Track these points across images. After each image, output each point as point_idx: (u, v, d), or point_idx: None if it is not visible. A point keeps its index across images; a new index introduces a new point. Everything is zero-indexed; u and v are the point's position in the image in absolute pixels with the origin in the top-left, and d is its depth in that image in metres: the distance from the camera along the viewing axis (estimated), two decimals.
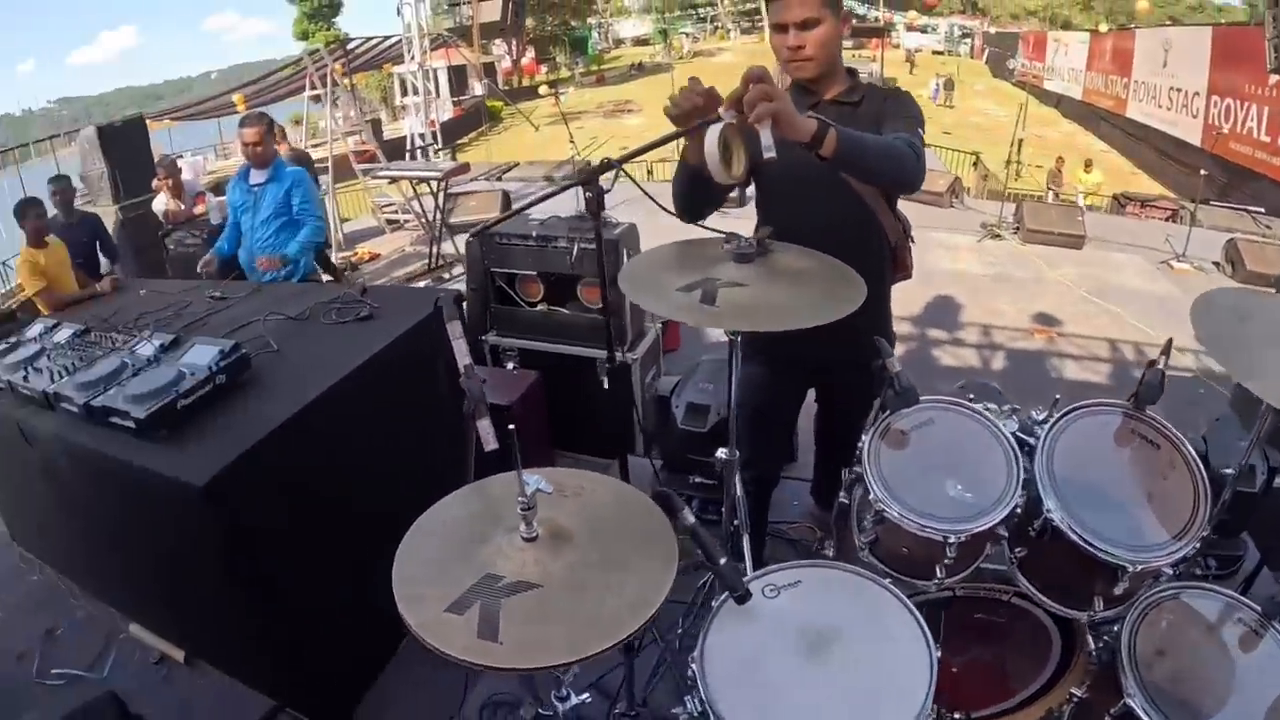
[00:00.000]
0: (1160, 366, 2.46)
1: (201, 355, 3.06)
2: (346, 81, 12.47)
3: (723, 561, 1.75)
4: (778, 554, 3.63)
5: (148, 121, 11.84)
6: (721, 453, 2.57)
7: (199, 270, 5.19)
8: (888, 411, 2.54)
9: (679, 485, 3.82)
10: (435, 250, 9.31)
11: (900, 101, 2.63)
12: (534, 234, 4.26)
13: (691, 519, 1.81)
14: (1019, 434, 2.61)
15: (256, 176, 5.35)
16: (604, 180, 2.32)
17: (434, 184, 9.24)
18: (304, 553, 2.84)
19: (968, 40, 55.55)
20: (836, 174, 2.35)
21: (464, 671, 3.17)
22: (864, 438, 2.56)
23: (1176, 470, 2.39)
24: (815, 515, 3.89)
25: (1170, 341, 2.51)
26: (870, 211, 2.73)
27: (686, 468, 3.77)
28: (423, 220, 10.68)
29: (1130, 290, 8.66)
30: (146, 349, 3.30)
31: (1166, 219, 13.60)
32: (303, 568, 2.85)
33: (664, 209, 2.44)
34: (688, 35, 61.88)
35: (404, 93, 18.51)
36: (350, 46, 16.29)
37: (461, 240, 9.37)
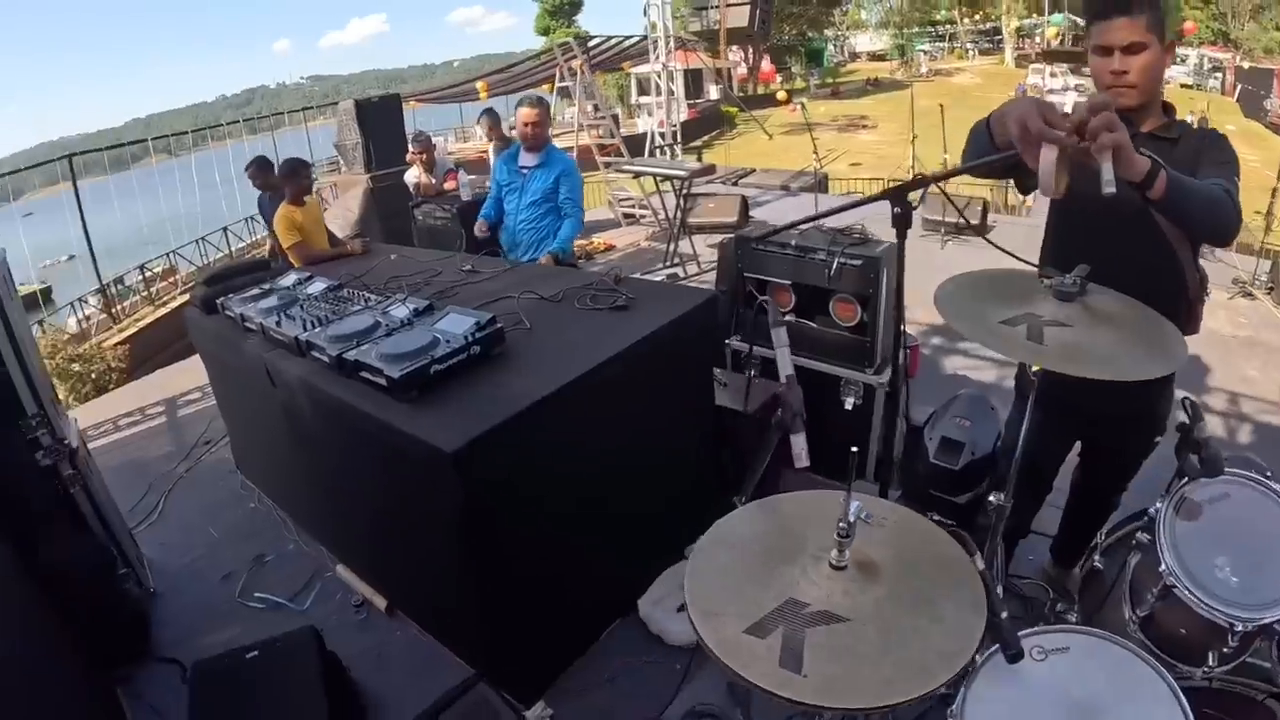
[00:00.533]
0: None
1: (457, 324, 3.10)
2: (586, 76, 12.74)
3: (1004, 615, 1.62)
4: (1008, 608, 3.38)
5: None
6: (994, 497, 2.39)
7: (476, 234, 5.36)
8: (1185, 480, 2.34)
9: None
10: (673, 248, 9.25)
11: (1219, 145, 2.42)
12: (792, 243, 4.11)
13: (981, 564, 1.69)
14: None
15: (527, 159, 5.30)
16: (912, 197, 2.17)
17: (676, 183, 9.21)
18: (532, 530, 2.85)
19: (1218, 74, 51.94)
20: (1149, 216, 2.18)
21: (677, 669, 3.19)
22: (1158, 505, 2.36)
23: None
24: (1050, 573, 3.64)
25: None
26: (1178, 260, 2.50)
27: (925, 503, 3.57)
28: (660, 217, 10.77)
29: None
30: (400, 311, 3.40)
31: None
32: (529, 544, 2.85)
33: (982, 235, 2.26)
34: (925, 53, 60.52)
35: (640, 92, 18.77)
36: (592, 45, 16.72)
37: (699, 241, 9.46)
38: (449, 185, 8.27)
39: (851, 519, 1.49)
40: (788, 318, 4.25)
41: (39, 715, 2.28)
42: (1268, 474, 2.47)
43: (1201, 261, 2.61)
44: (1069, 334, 1.90)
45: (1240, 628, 2.12)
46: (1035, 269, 2.15)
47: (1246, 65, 50.36)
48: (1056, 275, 2.05)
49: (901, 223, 2.09)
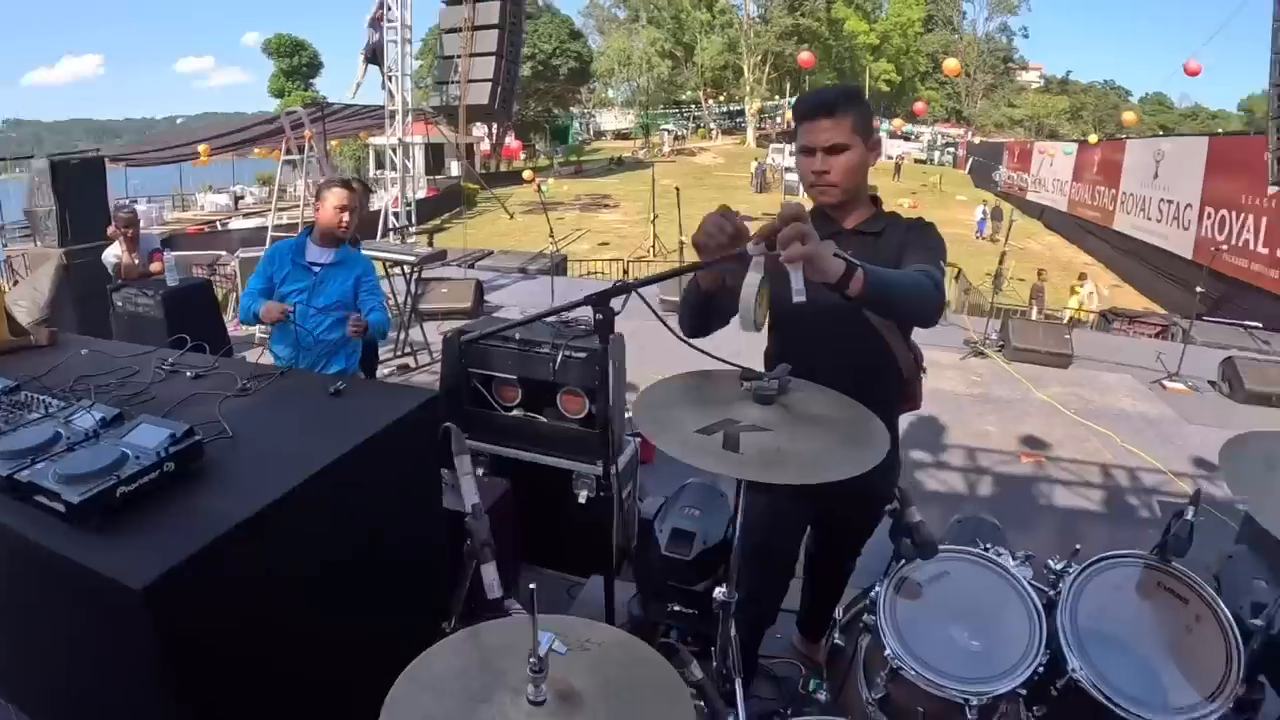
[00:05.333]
0: (1189, 518, 2.38)
1: (149, 437, 2.74)
2: (320, 147, 12.34)
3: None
4: (758, 690, 3.40)
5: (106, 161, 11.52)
6: (719, 593, 2.33)
7: (289, 321, 4.32)
8: (903, 562, 2.42)
9: (656, 612, 3.58)
10: (403, 336, 8.99)
11: (922, 232, 2.55)
12: (516, 337, 4.08)
13: (699, 674, 1.63)
14: (1035, 583, 2.51)
15: (319, 254, 4.46)
16: (614, 303, 2.17)
17: (407, 268, 8.93)
18: (249, 672, 2.55)
19: (951, 149, 57.42)
20: (856, 309, 2.21)
21: None
22: (878, 588, 2.42)
23: (1203, 623, 2.31)
24: (800, 650, 3.68)
25: (1199, 492, 2.49)
26: (887, 345, 2.63)
27: (666, 595, 3.54)
28: (391, 303, 10.48)
29: (1120, 411, 8.63)
30: (85, 420, 3.01)
31: (1156, 335, 13.58)
32: (246, 688, 2.55)
33: (675, 334, 2.24)
34: (669, 132, 63.18)
35: (379, 165, 18.34)
36: (328, 111, 16.29)
37: (431, 328, 9.23)
38: (154, 267, 7.51)
39: (542, 653, 1.37)
40: (515, 413, 4.20)
41: None
42: (986, 546, 2.58)
43: (913, 338, 2.72)
44: (767, 439, 1.87)
45: (975, 701, 2.16)
46: (739, 369, 2.12)
47: (978, 140, 56.04)
48: (755, 377, 2.03)
49: (604, 328, 2.10)
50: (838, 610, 3.14)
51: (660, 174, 20.57)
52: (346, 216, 4.40)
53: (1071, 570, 2.45)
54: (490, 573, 1.78)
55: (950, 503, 5.92)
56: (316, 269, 4.44)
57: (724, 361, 2.14)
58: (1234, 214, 18.87)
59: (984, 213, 31.16)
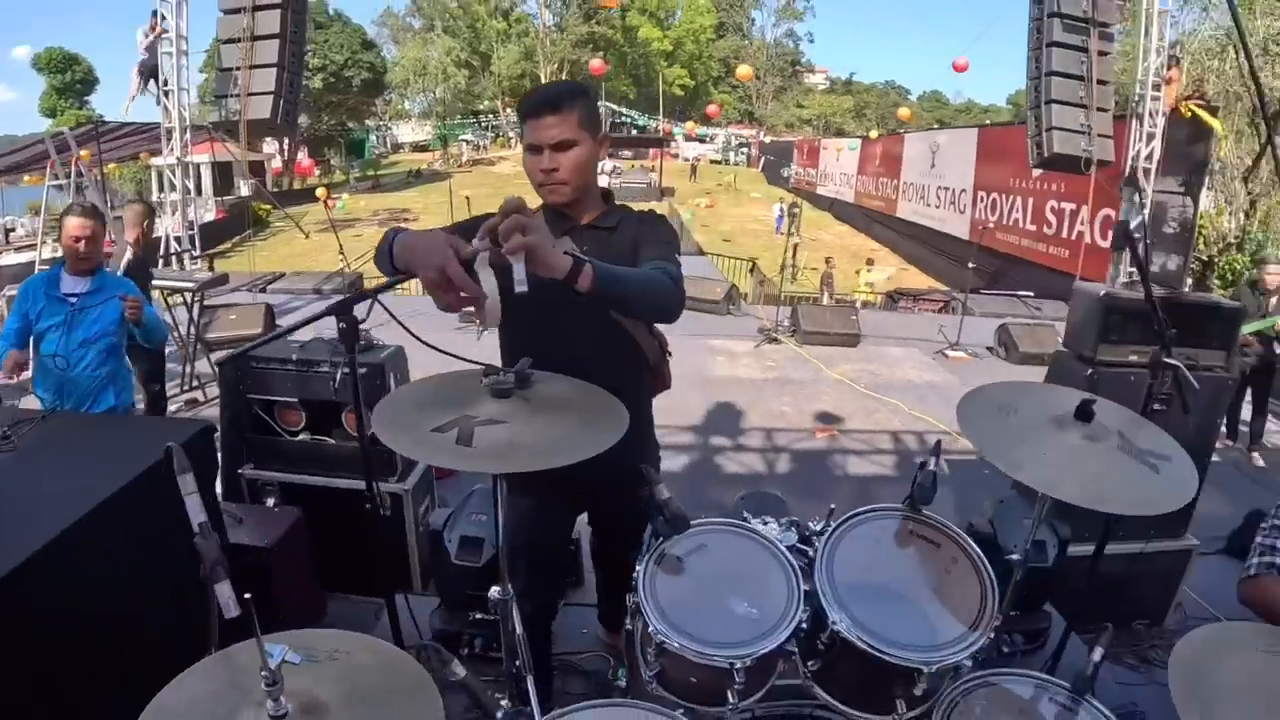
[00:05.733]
0: (932, 468, 2.55)
1: None
2: (96, 171, 11.60)
3: (499, 715, 1.62)
4: (569, 686, 3.49)
5: None
6: (494, 591, 2.39)
7: (9, 376, 4.11)
8: (660, 539, 2.51)
9: (458, 623, 3.61)
10: (189, 369, 8.46)
11: (655, 227, 2.60)
12: (294, 357, 3.94)
13: (461, 672, 1.67)
14: (799, 545, 2.64)
15: (74, 284, 4.25)
16: (359, 310, 2.17)
17: (188, 295, 8.45)
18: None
19: (745, 149, 59.30)
20: (593, 302, 2.30)
21: None
22: (638, 567, 2.51)
23: (959, 564, 2.47)
24: (605, 641, 3.76)
25: (939, 443, 2.65)
26: (628, 335, 2.67)
27: (465, 604, 3.55)
28: (175, 335, 10.00)
29: (908, 382, 9.21)
30: None
31: (939, 310, 14.71)
32: None
33: (419, 340, 2.26)
34: (468, 143, 62.50)
35: (161, 188, 17.31)
36: (103, 130, 15.29)
37: (221, 358, 8.76)
38: None
39: (275, 665, 1.39)
40: (301, 436, 4.12)
41: None
42: (745, 516, 2.73)
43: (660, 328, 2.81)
44: (501, 431, 1.94)
45: (740, 664, 2.25)
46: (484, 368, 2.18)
47: (769, 139, 58.06)
48: (494, 373, 2.10)
49: (350, 337, 2.12)
50: (627, 599, 3.24)
51: (459, 185, 20.30)
52: (83, 246, 4.21)
53: (827, 530, 2.59)
54: (224, 591, 1.77)
55: (750, 482, 6.12)
56: (73, 300, 4.24)
57: (474, 362, 2.20)
58: (1004, 196, 20.75)
59: (781, 210, 32.08)
